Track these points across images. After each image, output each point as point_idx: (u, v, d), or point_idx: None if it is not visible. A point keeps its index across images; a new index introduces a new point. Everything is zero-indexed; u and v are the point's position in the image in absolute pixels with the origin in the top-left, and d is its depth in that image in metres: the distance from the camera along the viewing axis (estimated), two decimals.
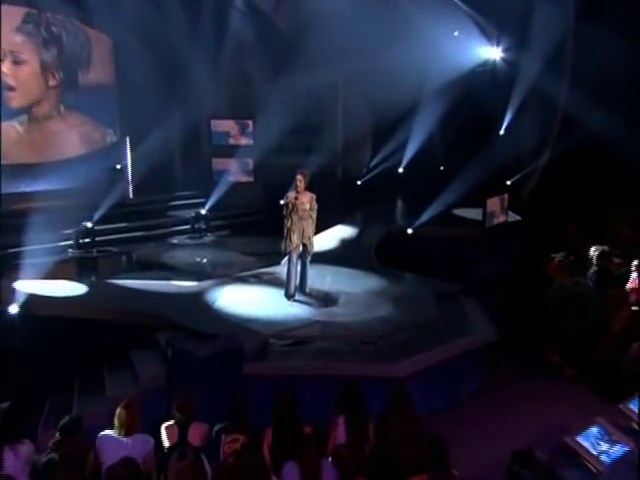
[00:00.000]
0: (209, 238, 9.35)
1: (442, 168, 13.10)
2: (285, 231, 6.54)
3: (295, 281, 6.75)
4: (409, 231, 9.01)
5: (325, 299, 6.44)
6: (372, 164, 13.28)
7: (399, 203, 12.40)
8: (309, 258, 6.81)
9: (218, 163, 10.65)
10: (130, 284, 6.55)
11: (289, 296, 6.40)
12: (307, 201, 6.56)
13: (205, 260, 8.11)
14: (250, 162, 11.32)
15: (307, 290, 6.81)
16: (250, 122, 11.30)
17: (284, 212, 6.54)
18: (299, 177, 6.51)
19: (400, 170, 13.07)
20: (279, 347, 5.38)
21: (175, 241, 9.13)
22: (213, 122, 11.37)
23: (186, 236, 9.32)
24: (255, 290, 6.75)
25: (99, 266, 7.45)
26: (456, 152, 11.62)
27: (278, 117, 10.57)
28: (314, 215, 6.60)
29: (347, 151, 12.97)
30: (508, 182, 11.46)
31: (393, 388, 3.81)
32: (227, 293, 6.54)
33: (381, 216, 11.17)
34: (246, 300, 6.33)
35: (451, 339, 5.66)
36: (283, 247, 6.61)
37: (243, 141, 10.80)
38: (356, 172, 13.15)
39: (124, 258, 7.90)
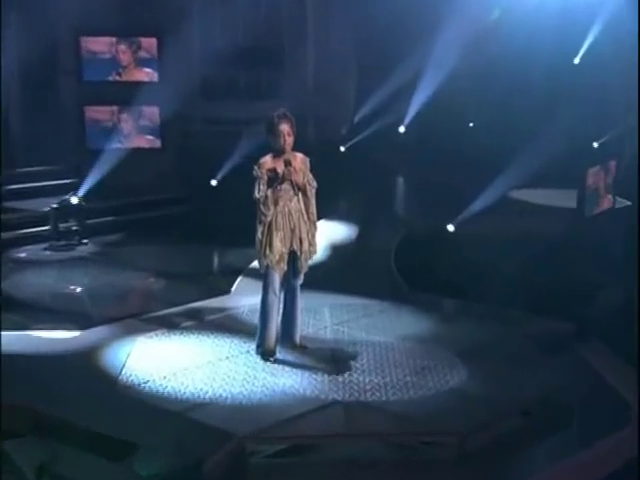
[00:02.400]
0: (87, 248, 9.18)
1: (472, 124, 13.42)
2: (260, 230, 5.84)
3: (277, 326, 6.02)
4: (449, 228, 9.05)
5: (334, 357, 5.98)
6: (358, 118, 13.22)
7: (407, 180, 12.42)
8: (301, 280, 6.07)
9: (96, 116, 10.84)
10: None
11: (267, 353, 5.87)
12: (300, 170, 5.85)
13: (86, 290, 7.79)
14: (155, 114, 11.01)
15: (298, 340, 6.16)
16: (153, 42, 10.80)
17: (256, 194, 5.79)
18: (284, 126, 5.76)
19: (401, 129, 13.23)
20: (265, 462, 4.55)
21: (24, 255, 8.80)
22: (85, 42, 10.70)
23: (44, 245, 9.00)
24: (194, 345, 6.26)
25: None
26: (497, 99, 12.14)
27: (203, 35, 10.65)
28: (312, 197, 5.92)
29: (322, 96, 12.71)
30: (595, 144, 11.76)
31: None
32: (140, 352, 6.03)
33: (386, 204, 10.94)
34: (181, 365, 5.77)
35: (597, 436, 4.81)
36: (259, 261, 5.93)
37: (141, 76, 10.90)
38: (336, 131, 13.07)
39: None
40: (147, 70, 10.96)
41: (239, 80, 12.01)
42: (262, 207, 5.74)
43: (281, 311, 5.99)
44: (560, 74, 12.79)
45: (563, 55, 12.80)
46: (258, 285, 6.02)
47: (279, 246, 5.77)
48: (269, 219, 5.74)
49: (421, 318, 6.98)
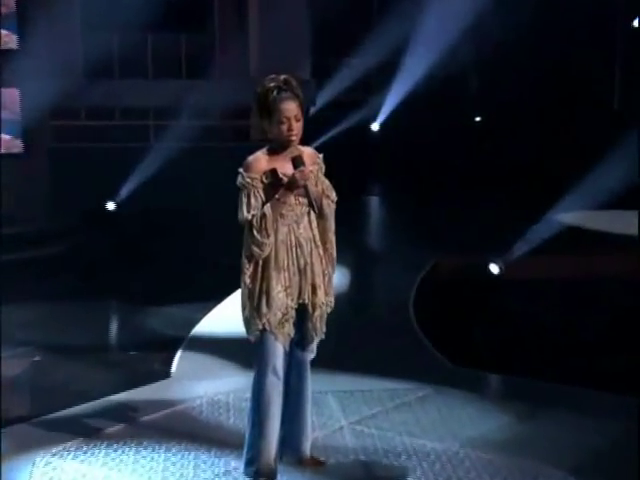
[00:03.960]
0: None
1: (479, 119, 15.41)
2: (249, 273, 5.34)
3: (277, 426, 5.47)
4: (493, 269, 9.24)
5: (369, 478, 5.76)
6: (315, 111, 14.17)
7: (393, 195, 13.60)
8: (313, 353, 5.62)
9: None
10: None
11: (264, 474, 5.41)
12: (312, 173, 5.42)
13: None
14: (14, 98, 10.81)
15: (308, 451, 5.68)
16: None
17: (245, 213, 5.28)
18: (289, 104, 5.24)
19: (375, 127, 14.91)
20: None
21: None
22: None
23: None
24: (129, 467, 5.80)
25: None
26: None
27: None
28: (331, 217, 5.53)
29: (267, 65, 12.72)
30: None
31: None
32: None
33: (376, 227, 12.04)
34: None
35: None
36: (247, 323, 5.44)
37: None
38: None
39: None
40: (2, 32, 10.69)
41: (146, 49, 12.15)
42: (255, 234, 5.16)
43: (280, 404, 5.52)
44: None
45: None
46: (213, 362, 6.48)
47: (282, 297, 5.26)
48: (266, 253, 5.19)
49: (485, 409, 6.81)
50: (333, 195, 5.44)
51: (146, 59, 12.33)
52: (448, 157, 15.11)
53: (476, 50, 16.47)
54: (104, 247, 11.31)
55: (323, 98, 14.30)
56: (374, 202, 15.27)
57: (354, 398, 6.91)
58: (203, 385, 6.94)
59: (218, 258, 10.30)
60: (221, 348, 7.82)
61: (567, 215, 11.84)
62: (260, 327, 5.27)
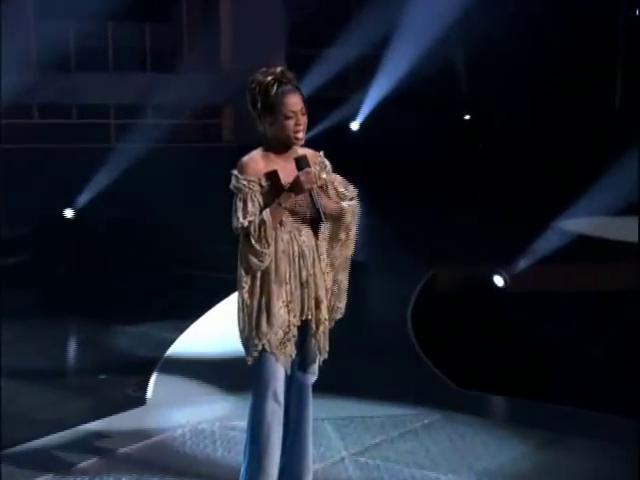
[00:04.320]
0: None
1: (469, 117, 15.77)
2: (246, 287, 5.26)
3: (278, 459, 5.41)
4: (498, 282, 9.37)
5: None
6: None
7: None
8: (315, 374, 5.56)
9: None
10: None
11: None
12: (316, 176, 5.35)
13: None
14: None
15: None
16: None
17: (241, 219, 5.18)
18: (294, 98, 5.18)
19: (354, 126, 15.09)
20: None
21: None
22: None
23: None
24: None
25: None
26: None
27: None
28: (350, 216, 5.38)
29: (242, 71, 13.02)
30: None
31: None
32: None
33: (361, 234, 12.23)
34: None
35: None
36: (245, 343, 5.35)
37: None
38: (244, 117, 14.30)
39: None
40: None
41: (106, 40, 12.22)
42: (254, 243, 5.06)
43: (280, 436, 5.44)
44: None
45: None
46: (193, 386, 6.67)
47: (284, 314, 5.17)
48: (265, 264, 5.09)
49: (500, 437, 6.72)
50: (350, 189, 5.36)
51: (107, 51, 12.33)
52: (438, 159, 15.19)
53: (465, 44, 16.67)
54: (63, 259, 11.14)
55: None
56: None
57: (354, 426, 6.84)
58: (184, 412, 6.86)
59: (193, 271, 10.30)
60: (200, 370, 7.75)
61: (577, 222, 11.96)
62: (260, 348, 5.17)
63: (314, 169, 5.22)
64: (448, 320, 9.11)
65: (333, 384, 7.05)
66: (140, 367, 7.97)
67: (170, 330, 9.04)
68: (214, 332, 9.10)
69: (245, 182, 5.08)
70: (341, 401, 7.27)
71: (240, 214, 5.06)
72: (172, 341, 8.48)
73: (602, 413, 7.14)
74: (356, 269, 10.92)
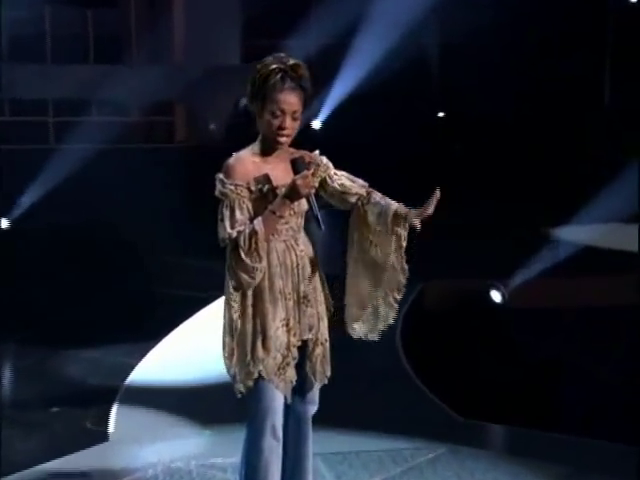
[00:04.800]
0: None
1: (442, 115, 16.30)
2: (236, 306, 5.19)
3: None
4: (495, 296, 9.56)
5: None
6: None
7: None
8: (316, 404, 5.56)
9: None
10: None
11: None
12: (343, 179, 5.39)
13: None
14: None
15: None
16: None
17: (229, 229, 5.11)
18: (290, 96, 5.12)
19: (316, 125, 15.38)
20: None
21: None
22: None
23: None
24: None
25: None
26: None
27: None
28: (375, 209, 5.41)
29: (193, 66, 13.25)
30: None
31: None
32: None
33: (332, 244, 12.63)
34: None
35: None
36: (234, 370, 5.24)
37: None
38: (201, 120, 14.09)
39: None
40: None
41: (43, 28, 12.32)
42: (244, 257, 4.94)
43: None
44: None
45: None
46: (159, 419, 6.87)
47: (282, 335, 5.08)
48: (257, 281, 4.98)
49: (514, 472, 6.73)
50: (359, 184, 5.27)
51: (44, 40, 12.12)
52: (411, 160, 15.22)
53: (439, 34, 16.85)
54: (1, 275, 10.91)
55: None
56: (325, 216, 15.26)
57: (348, 462, 6.76)
58: (153, 449, 6.78)
59: (151, 287, 10.24)
60: (167, 399, 7.67)
61: (580, 230, 12.12)
62: (255, 375, 5.04)
63: (316, 173, 5.17)
64: (442, 340, 9.13)
65: (322, 415, 6.72)
66: (98, 397, 7.84)
67: (129, 354, 8.92)
68: (179, 355, 9.04)
69: (232, 187, 4.99)
70: (333, 434, 7.15)
71: (227, 223, 4.96)
72: (132, 367, 8.38)
73: (624, 445, 7.10)
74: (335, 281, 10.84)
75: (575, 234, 12.43)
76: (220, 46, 13.36)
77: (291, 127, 5.00)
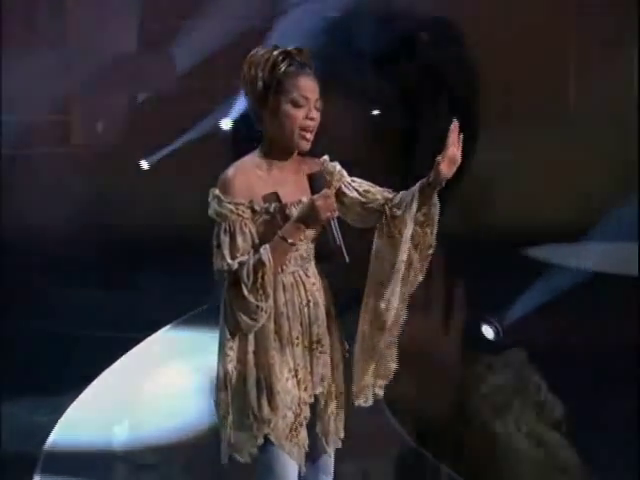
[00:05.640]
0: None
1: (378, 112, 15.53)
2: (231, 353, 5.20)
3: None
4: (487, 333, 10.12)
5: None
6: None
7: None
8: (331, 475, 5.52)
9: None
10: None
11: None
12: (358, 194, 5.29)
13: None
14: None
15: None
16: None
17: (228, 259, 5.09)
18: (307, 81, 5.12)
19: (226, 125, 15.40)
20: None
21: None
22: None
23: None
24: None
25: None
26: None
27: None
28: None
29: None
30: None
31: None
32: None
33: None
34: None
35: None
36: (239, 437, 5.20)
37: None
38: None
39: None
40: None
41: None
42: (246, 294, 4.87)
43: None
44: None
45: None
46: None
47: (292, 389, 5.04)
48: (261, 323, 4.95)
49: None
50: (381, 196, 5.15)
51: None
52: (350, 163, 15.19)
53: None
54: None
55: None
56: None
57: None
58: None
59: (65, 327, 10.35)
60: (101, 465, 7.68)
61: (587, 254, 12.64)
62: (261, 440, 4.92)
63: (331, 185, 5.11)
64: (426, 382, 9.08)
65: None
66: (12, 468, 7.55)
67: (42, 411, 8.72)
68: (105, 410, 8.92)
69: (231, 206, 4.87)
70: None
71: (226, 252, 4.86)
72: (50, 427, 8.21)
73: None
74: None
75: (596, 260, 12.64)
76: (119, 28, 14.08)
77: (317, 120, 4.92)
